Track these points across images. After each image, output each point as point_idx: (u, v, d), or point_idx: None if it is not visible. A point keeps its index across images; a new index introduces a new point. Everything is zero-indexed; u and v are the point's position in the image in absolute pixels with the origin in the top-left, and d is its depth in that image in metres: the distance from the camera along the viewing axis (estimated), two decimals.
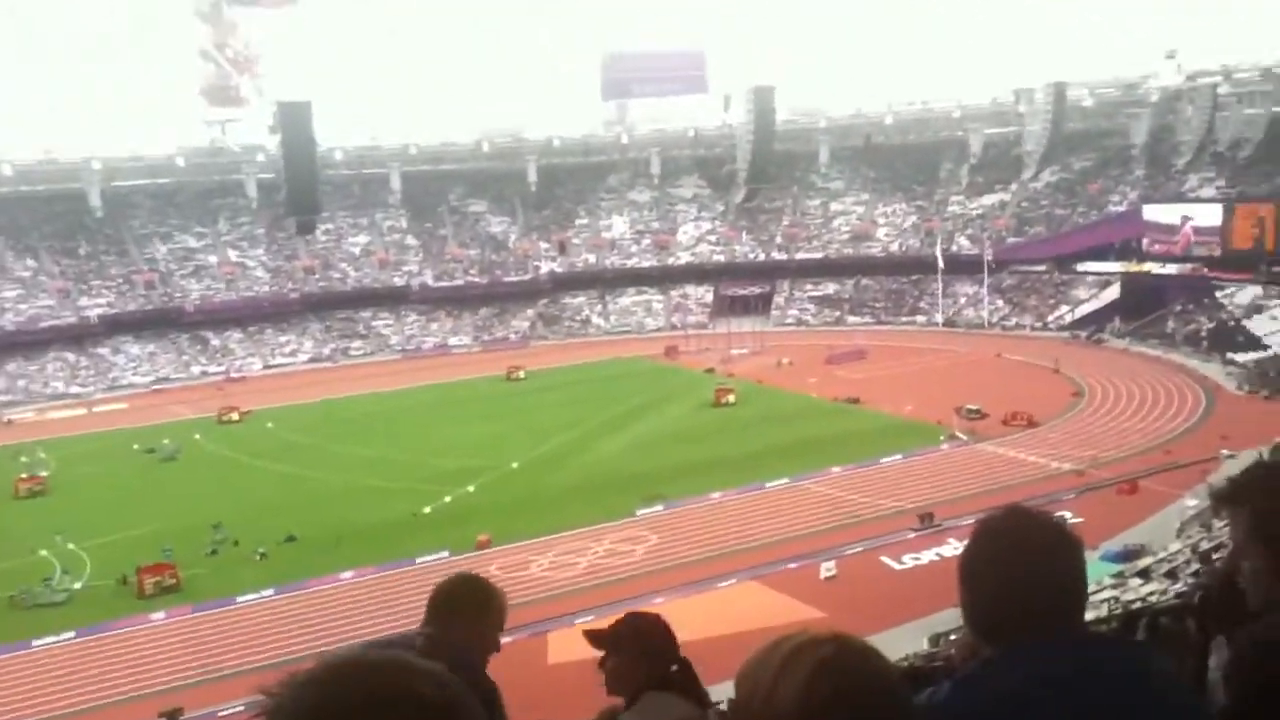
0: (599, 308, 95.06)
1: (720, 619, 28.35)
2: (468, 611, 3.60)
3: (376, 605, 32.68)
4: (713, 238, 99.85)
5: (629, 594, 31.44)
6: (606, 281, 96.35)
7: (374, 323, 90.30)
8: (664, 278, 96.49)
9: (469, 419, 58.60)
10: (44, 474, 50.84)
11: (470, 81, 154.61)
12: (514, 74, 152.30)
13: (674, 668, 3.70)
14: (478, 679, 3.42)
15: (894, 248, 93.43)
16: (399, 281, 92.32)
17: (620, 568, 34.55)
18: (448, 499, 43.14)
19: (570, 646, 26.32)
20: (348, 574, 35.33)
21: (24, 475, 49.99)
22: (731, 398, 58.44)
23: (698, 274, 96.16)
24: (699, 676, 3.78)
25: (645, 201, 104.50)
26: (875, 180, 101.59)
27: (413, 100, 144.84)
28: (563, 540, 37.19)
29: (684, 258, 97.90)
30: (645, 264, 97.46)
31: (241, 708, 24.74)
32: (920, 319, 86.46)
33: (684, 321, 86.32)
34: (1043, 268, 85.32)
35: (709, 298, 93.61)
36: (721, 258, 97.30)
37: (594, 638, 3.74)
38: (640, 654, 3.68)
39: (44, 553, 39.21)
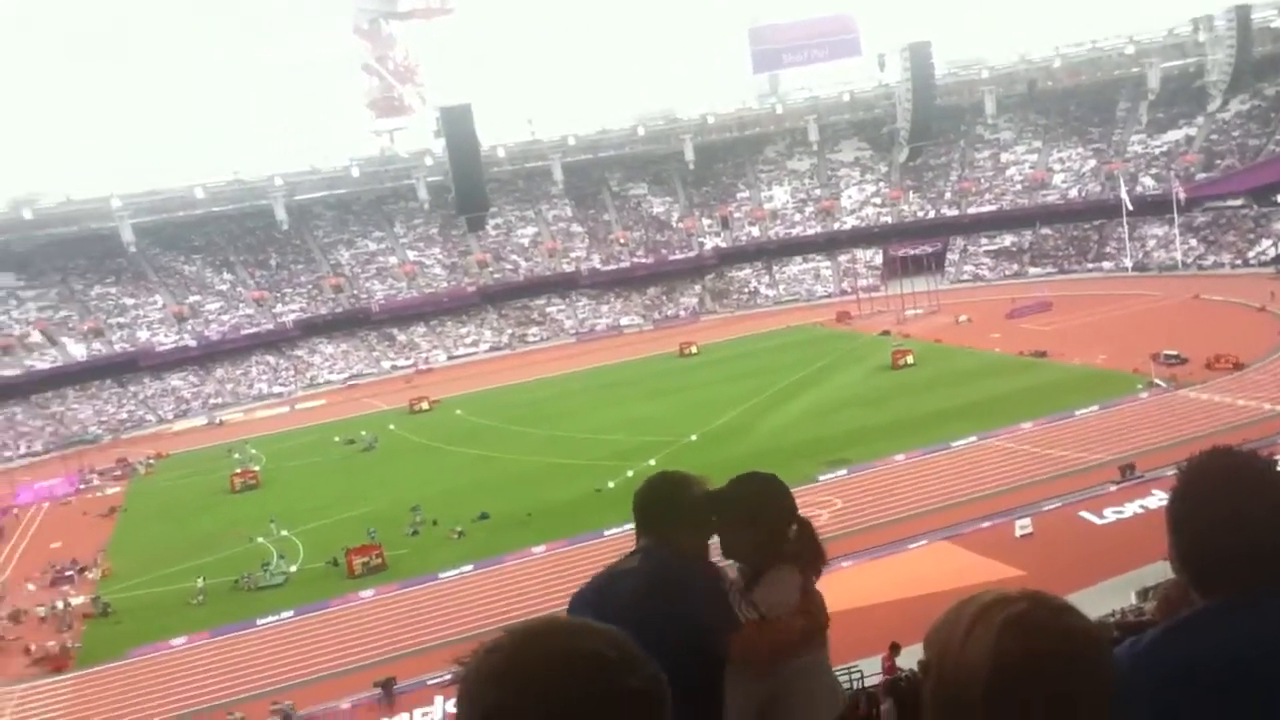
0: (766, 278, 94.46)
1: (912, 581, 27.85)
2: (657, 512, 3.49)
3: (569, 577, 33.48)
4: (878, 200, 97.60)
5: None
6: (771, 252, 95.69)
7: (548, 309, 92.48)
8: (830, 244, 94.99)
9: (645, 396, 59.25)
10: (256, 468, 54.49)
11: (622, 67, 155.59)
12: (665, 55, 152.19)
13: (793, 528, 3.51)
14: (695, 570, 3.38)
15: (1073, 194, 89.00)
16: (568, 268, 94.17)
17: None
18: (630, 473, 43.54)
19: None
20: (539, 549, 36.40)
21: (238, 470, 53.72)
22: (910, 359, 57.08)
23: (865, 237, 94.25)
24: (817, 535, 3.56)
25: (805, 170, 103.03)
26: (1047, 126, 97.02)
27: (568, 91, 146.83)
28: None
29: (849, 222, 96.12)
30: (810, 232, 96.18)
31: (448, 676, 25.81)
32: (1107, 265, 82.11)
33: (854, 286, 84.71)
34: (1239, 202, 79.46)
35: (878, 260, 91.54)
36: (888, 219, 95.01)
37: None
38: (762, 515, 3.46)
39: (261, 540, 42.03)
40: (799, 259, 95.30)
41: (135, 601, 37.23)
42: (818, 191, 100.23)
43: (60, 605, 37.03)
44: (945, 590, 25.97)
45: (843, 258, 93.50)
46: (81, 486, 58.40)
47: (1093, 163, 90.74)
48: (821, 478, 39.46)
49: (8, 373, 77.22)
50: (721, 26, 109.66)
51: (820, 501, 36.75)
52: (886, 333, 67.56)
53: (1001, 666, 1.44)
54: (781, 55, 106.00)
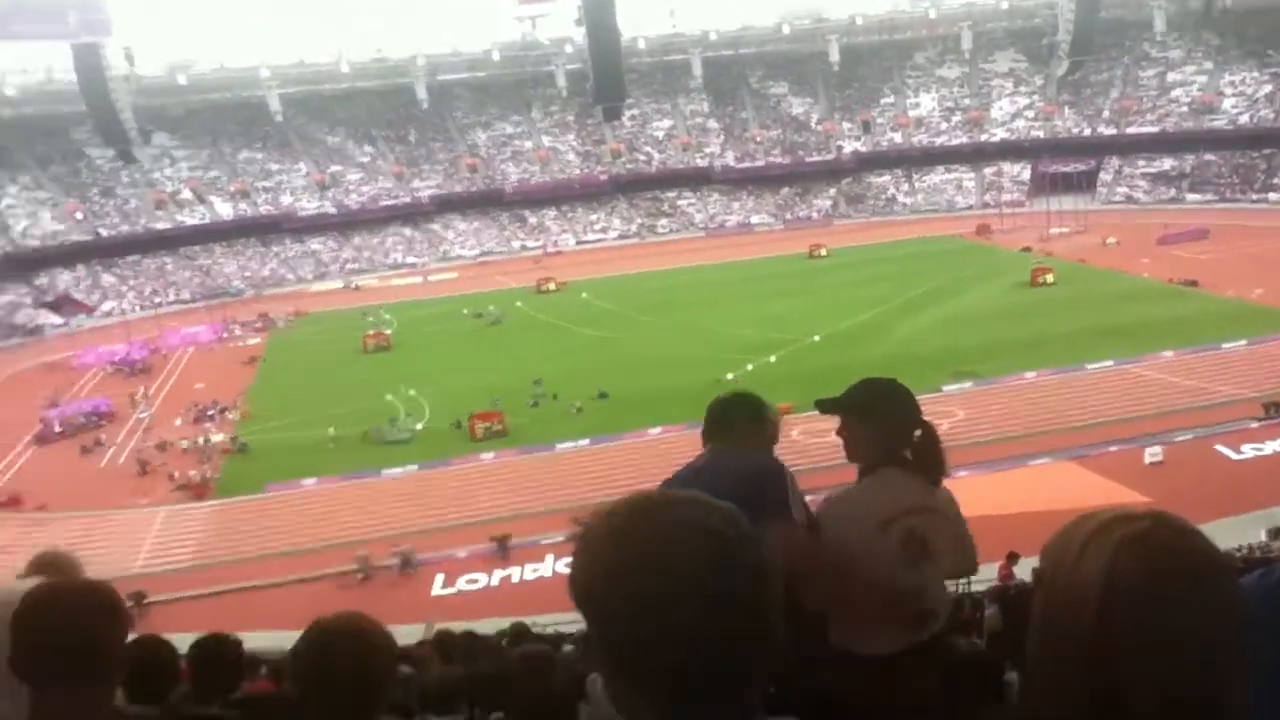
0: (905, 186, 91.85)
1: (1030, 497, 27.30)
2: (741, 425, 3.61)
3: (682, 458, 33.72)
4: (1030, 113, 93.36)
5: None
6: (913, 160, 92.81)
7: (679, 202, 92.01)
8: (976, 156, 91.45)
9: (771, 294, 58.65)
10: (388, 332, 56.31)
11: None
12: None
13: (917, 433, 3.52)
14: (764, 461, 3.44)
15: (1243, 120, 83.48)
16: (701, 163, 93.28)
17: None
18: (749, 367, 43.65)
19: None
20: (655, 430, 36.76)
21: (371, 332, 55.60)
22: (1050, 277, 55.02)
23: (1013, 151, 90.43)
24: (940, 443, 3.58)
25: (955, 78, 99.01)
26: (1221, 47, 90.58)
27: None
28: None
29: (998, 135, 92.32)
30: (955, 142, 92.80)
31: (560, 538, 26.67)
32: (1274, 197, 77.06)
33: (998, 200, 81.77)
34: None
35: (1025, 176, 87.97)
36: (1040, 134, 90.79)
37: (827, 405, 3.55)
38: (877, 418, 3.50)
39: (390, 398, 43.63)
40: (941, 169, 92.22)
41: (271, 443, 39.24)
42: (967, 101, 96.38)
43: (202, 440, 39.35)
44: (1066, 508, 24.80)
45: (988, 170, 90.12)
46: (224, 335, 61.37)
47: (1269, 88, 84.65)
48: (946, 388, 38.64)
49: (160, 226, 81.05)
50: None
51: (942, 412, 36.04)
52: (1028, 249, 65.16)
53: (1116, 585, 1.36)
54: None
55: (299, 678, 2.52)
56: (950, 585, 4.31)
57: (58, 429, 42.81)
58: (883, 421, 3.49)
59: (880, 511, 3.39)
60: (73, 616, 2.11)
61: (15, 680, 2.09)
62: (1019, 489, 28.86)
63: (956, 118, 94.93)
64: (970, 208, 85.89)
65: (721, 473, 3.29)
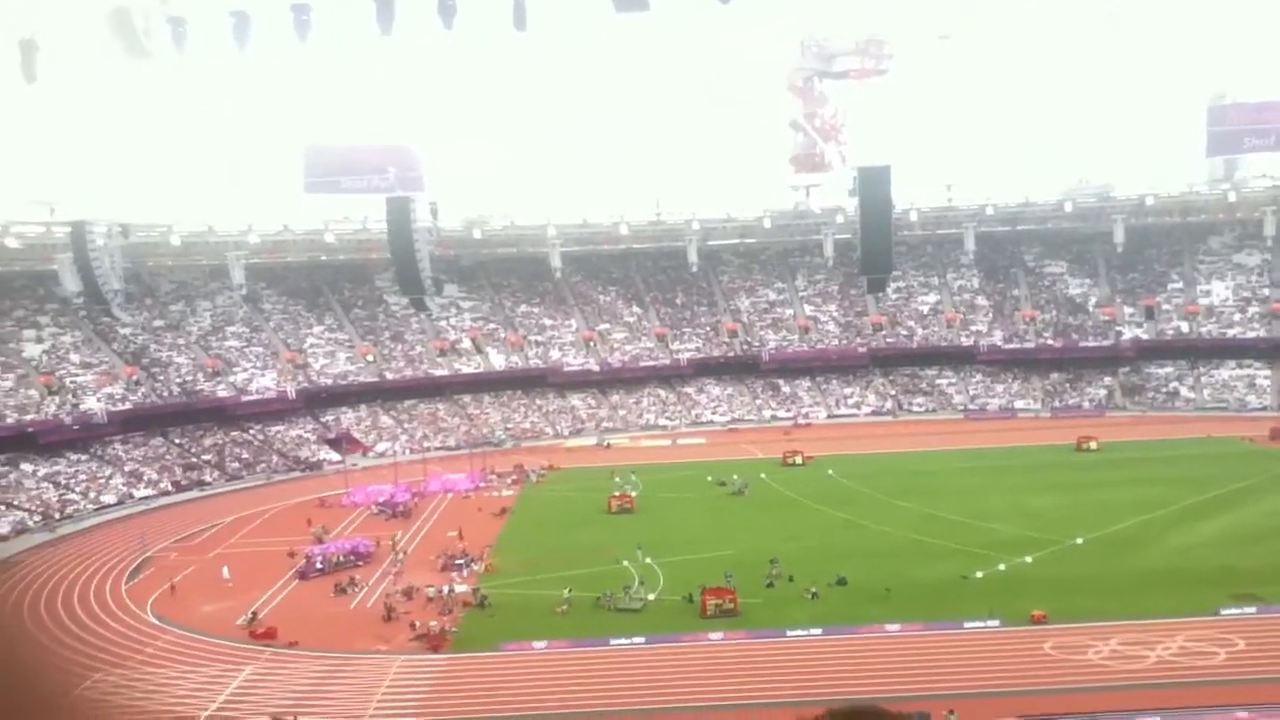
0: (1190, 380, 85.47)
1: None
2: None
3: (919, 662, 32.09)
4: None
5: (1204, 701, 27.69)
6: (1201, 352, 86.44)
7: (938, 380, 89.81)
8: (1274, 352, 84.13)
9: (1031, 487, 55.75)
10: (633, 494, 57.42)
11: (1055, 139, 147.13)
12: (1103, 129, 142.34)
13: None
14: None
15: None
16: (966, 341, 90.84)
17: (1196, 669, 30.45)
18: (1002, 566, 41.33)
19: None
20: (893, 626, 35.22)
21: (617, 494, 56.92)
22: None
23: None
24: None
25: (1254, 265, 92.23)
26: None
27: (992, 159, 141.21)
28: (1128, 629, 33.69)
29: None
30: (1251, 334, 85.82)
31: None
32: None
33: None
34: None
35: None
36: None
37: None
38: None
39: (626, 563, 44.18)
40: (1232, 364, 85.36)
41: (510, 599, 40.36)
42: (1266, 291, 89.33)
43: (446, 590, 40.96)
44: None
45: None
46: (481, 485, 64.47)
47: None
48: (1224, 611, 34.97)
49: (439, 372, 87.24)
50: (1176, 103, 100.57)
51: (1218, 639, 32.58)
52: None
53: None
54: (1244, 138, 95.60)
55: None
56: None
57: (319, 566, 45.84)
58: None
59: None
60: None
61: None
62: None
63: (1254, 309, 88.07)
64: (1265, 409, 78.81)
65: None
